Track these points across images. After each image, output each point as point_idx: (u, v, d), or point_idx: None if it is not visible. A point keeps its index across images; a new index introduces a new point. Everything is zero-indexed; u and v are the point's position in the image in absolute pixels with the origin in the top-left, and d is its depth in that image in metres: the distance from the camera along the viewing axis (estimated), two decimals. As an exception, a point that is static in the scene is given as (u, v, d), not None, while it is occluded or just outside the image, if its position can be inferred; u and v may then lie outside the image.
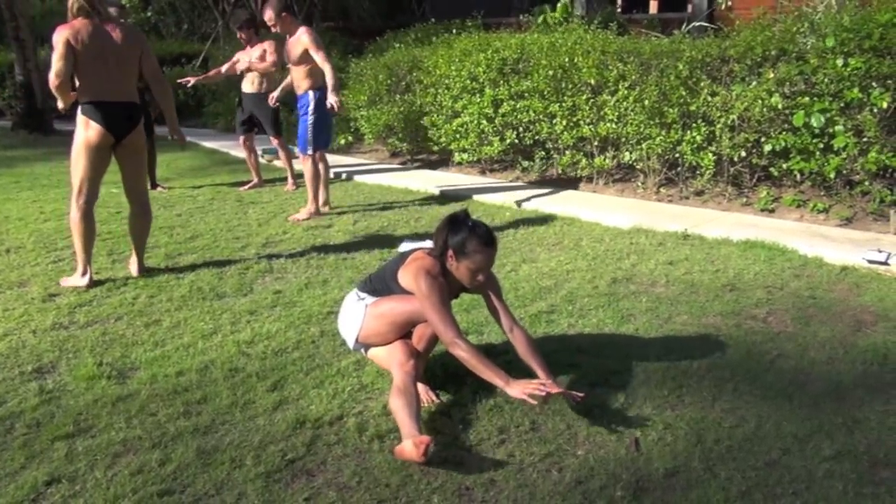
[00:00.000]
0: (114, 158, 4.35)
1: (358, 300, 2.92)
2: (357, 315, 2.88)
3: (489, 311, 2.91)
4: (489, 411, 2.80)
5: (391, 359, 2.78)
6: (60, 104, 4.26)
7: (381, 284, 2.88)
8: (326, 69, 5.62)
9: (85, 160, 4.20)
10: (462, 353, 2.59)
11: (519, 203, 6.37)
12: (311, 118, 5.91)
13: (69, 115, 4.49)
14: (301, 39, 5.74)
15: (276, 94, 6.71)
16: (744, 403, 2.83)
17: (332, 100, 5.63)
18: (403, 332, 2.84)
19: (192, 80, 7.32)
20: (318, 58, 5.65)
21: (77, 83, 4.16)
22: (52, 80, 4.06)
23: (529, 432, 2.66)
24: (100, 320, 3.79)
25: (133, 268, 4.55)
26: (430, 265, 2.74)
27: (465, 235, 2.70)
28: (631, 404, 2.84)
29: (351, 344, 2.95)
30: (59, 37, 4.02)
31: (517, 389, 2.50)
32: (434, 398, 2.89)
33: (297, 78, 5.95)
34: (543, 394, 2.46)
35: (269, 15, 5.79)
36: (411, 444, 2.37)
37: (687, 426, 2.67)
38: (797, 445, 2.54)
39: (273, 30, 5.91)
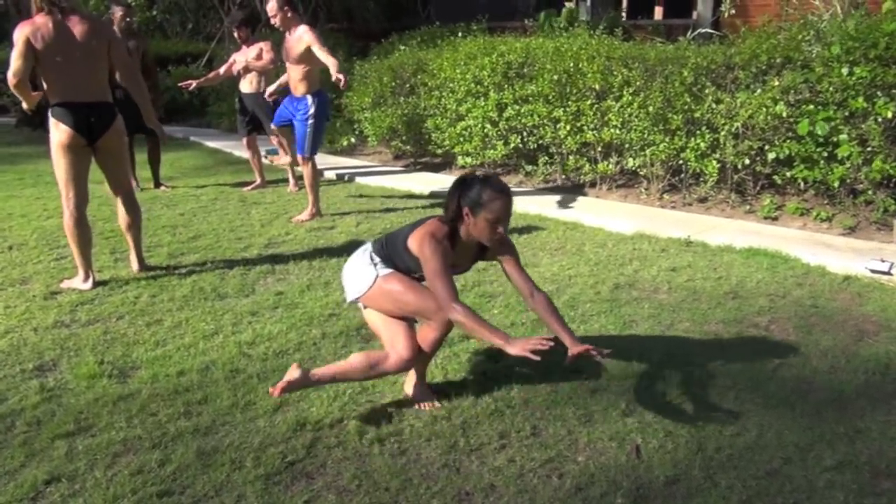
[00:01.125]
0: None
1: (370, 263, 2.82)
2: (365, 280, 2.80)
3: (508, 279, 2.81)
4: (490, 416, 2.79)
5: (391, 342, 2.74)
6: (24, 104, 4.14)
7: (393, 249, 2.79)
8: (330, 62, 5.46)
9: (63, 161, 4.09)
10: (459, 316, 2.50)
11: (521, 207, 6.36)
12: (310, 122, 5.89)
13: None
14: (303, 38, 5.64)
15: (271, 88, 6.51)
16: (745, 412, 2.83)
17: (336, 75, 5.41)
18: (405, 315, 2.80)
19: (192, 84, 7.31)
20: (322, 53, 5.53)
21: (44, 84, 4.01)
22: (10, 78, 3.90)
23: (530, 437, 2.65)
24: (101, 319, 3.79)
25: (134, 265, 4.54)
26: (436, 229, 2.68)
27: (480, 187, 2.63)
28: (632, 411, 2.84)
29: (349, 299, 2.90)
30: (19, 34, 3.84)
31: (518, 347, 2.38)
32: (435, 402, 2.88)
33: (295, 78, 5.87)
34: (546, 348, 2.34)
35: (271, 6, 5.67)
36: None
37: (688, 434, 2.67)
38: (798, 455, 2.54)
39: (273, 21, 5.76)
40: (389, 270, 2.80)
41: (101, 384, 3.03)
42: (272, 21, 5.78)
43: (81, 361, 3.25)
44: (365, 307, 2.88)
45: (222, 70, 7.38)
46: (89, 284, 4.22)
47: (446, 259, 2.63)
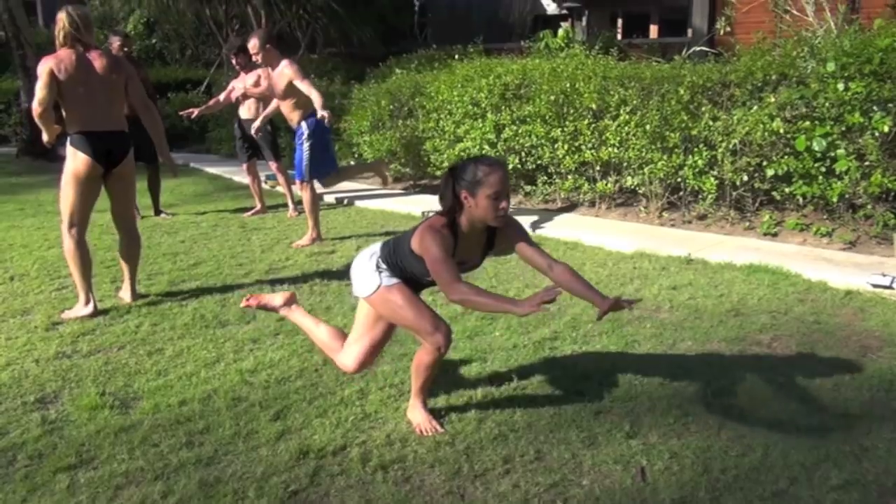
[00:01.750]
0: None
1: (375, 270, 2.81)
2: (369, 285, 2.80)
3: (524, 261, 2.76)
4: (493, 440, 2.78)
5: (349, 346, 2.98)
6: (45, 137, 4.27)
7: (401, 253, 2.76)
8: (313, 94, 5.57)
9: (74, 191, 4.19)
10: (462, 295, 2.45)
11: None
12: (306, 145, 5.93)
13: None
14: (284, 72, 5.75)
15: (256, 123, 6.56)
16: (750, 431, 2.81)
17: (321, 112, 5.58)
18: (401, 327, 2.90)
19: (194, 113, 7.36)
20: (304, 86, 5.64)
21: (64, 114, 4.16)
22: (35, 108, 4.07)
23: (534, 462, 2.64)
24: (103, 349, 3.78)
25: (126, 295, 4.54)
26: (434, 222, 2.65)
27: (472, 166, 2.59)
28: (636, 432, 2.82)
29: (354, 293, 2.93)
30: (44, 67, 4.04)
31: (527, 305, 2.30)
32: (437, 428, 2.87)
33: (287, 112, 5.97)
34: (553, 297, 2.27)
35: (253, 44, 5.82)
36: None
37: (693, 455, 2.65)
38: (805, 474, 2.52)
39: (255, 59, 5.93)
40: (395, 281, 2.79)
41: (102, 415, 3.02)
42: (255, 58, 5.93)
43: (83, 393, 3.24)
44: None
45: (222, 97, 7.43)
46: (90, 309, 4.23)
47: (447, 247, 2.58)
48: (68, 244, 4.24)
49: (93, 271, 5.12)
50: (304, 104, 5.89)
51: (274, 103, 6.20)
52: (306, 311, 3.31)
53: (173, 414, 3.03)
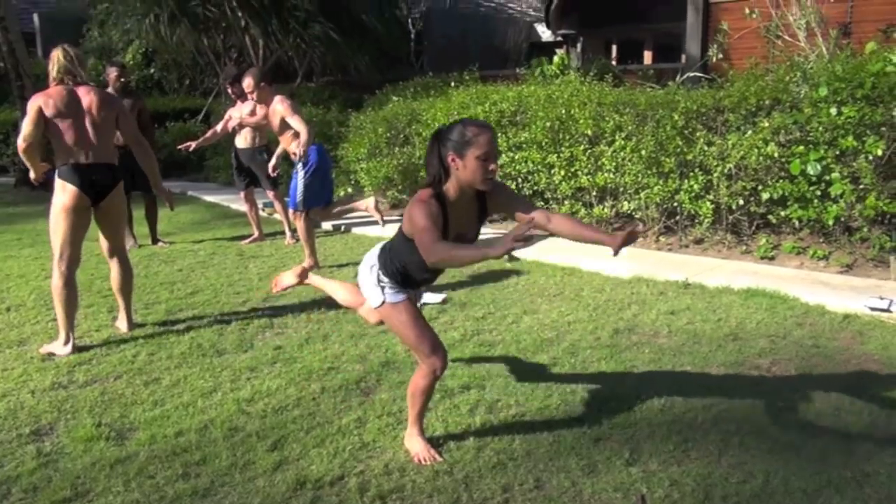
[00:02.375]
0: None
1: (377, 285, 2.81)
2: (374, 299, 2.82)
3: (522, 222, 2.70)
4: (492, 469, 2.76)
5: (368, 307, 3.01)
6: (32, 174, 4.31)
7: (395, 247, 2.76)
8: (303, 130, 5.69)
9: (64, 223, 4.19)
10: (441, 254, 2.37)
11: (513, 258, 6.38)
12: (301, 174, 5.97)
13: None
14: (276, 109, 5.87)
15: (272, 162, 6.60)
16: (750, 458, 2.79)
17: (296, 150, 5.72)
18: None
19: (192, 146, 7.40)
20: (294, 121, 5.75)
21: (54, 149, 4.20)
22: (20, 143, 4.13)
23: (533, 490, 2.61)
24: (99, 379, 3.76)
25: (123, 325, 4.53)
26: (421, 194, 2.59)
27: (460, 127, 2.53)
28: (636, 460, 2.80)
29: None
30: (32, 104, 4.13)
31: (501, 247, 2.18)
32: (436, 456, 2.85)
33: (286, 145, 6.06)
34: (525, 232, 2.17)
35: (248, 82, 5.97)
36: None
37: (694, 482, 2.63)
38: (806, 501, 2.50)
39: (250, 97, 6.07)
40: (399, 298, 2.79)
41: (98, 447, 3.00)
42: (250, 97, 6.05)
43: (79, 424, 3.21)
44: None
45: (219, 128, 7.47)
46: (69, 349, 4.16)
47: (433, 216, 2.49)
48: (56, 281, 4.20)
49: (89, 301, 5.14)
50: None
51: (282, 143, 6.27)
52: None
53: (169, 445, 3.01)
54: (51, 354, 4.13)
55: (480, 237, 2.88)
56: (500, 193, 2.72)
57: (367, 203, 6.18)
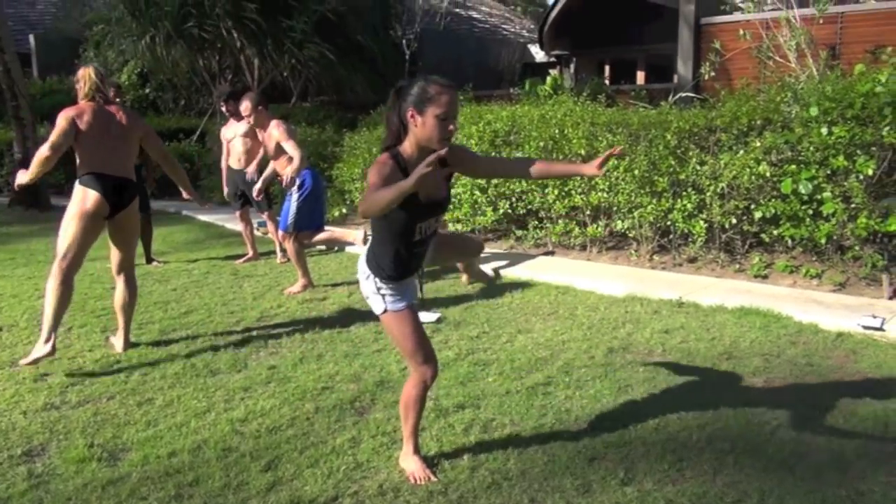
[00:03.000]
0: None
1: (376, 293, 2.75)
2: (376, 307, 2.78)
3: (489, 175, 2.65)
4: (487, 489, 2.75)
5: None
6: (24, 178, 4.36)
7: (377, 240, 2.71)
8: (296, 155, 5.74)
9: (77, 226, 4.24)
10: (366, 202, 2.32)
11: (498, 273, 6.38)
12: (295, 196, 5.98)
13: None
14: (272, 133, 5.93)
15: (258, 186, 6.55)
16: (745, 477, 2.79)
17: (286, 175, 5.77)
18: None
19: (226, 190, 7.57)
20: (289, 147, 5.79)
21: (78, 159, 4.30)
22: (47, 151, 4.20)
23: (528, 511, 2.60)
24: (92, 400, 3.74)
25: (118, 344, 4.52)
26: (380, 158, 2.53)
27: (422, 83, 2.46)
28: (631, 479, 2.80)
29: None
30: (65, 115, 4.26)
31: (413, 179, 2.18)
32: (430, 476, 2.84)
33: (281, 169, 6.08)
34: (435, 158, 2.18)
35: (245, 106, 6.05)
36: None
37: (689, 502, 2.62)
38: (801, 520, 2.49)
39: (248, 120, 6.13)
40: (401, 306, 2.76)
41: (90, 468, 2.97)
42: (247, 120, 6.13)
43: (71, 445, 3.19)
44: None
45: (223, 161, 7.53)
46: (48, 348, 4.12)
47: (385, 176, 2.42)
48: (54, 281, 4.18)
49: (83, 320, 5.12)
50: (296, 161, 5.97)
51: (271, 165, 6.30)
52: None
53: (162, 466, 2.99)
54: (35, 362, 4.12)
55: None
56: (459, 150, 2.69)
57: (356, 236, 6.18)
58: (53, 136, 4.22)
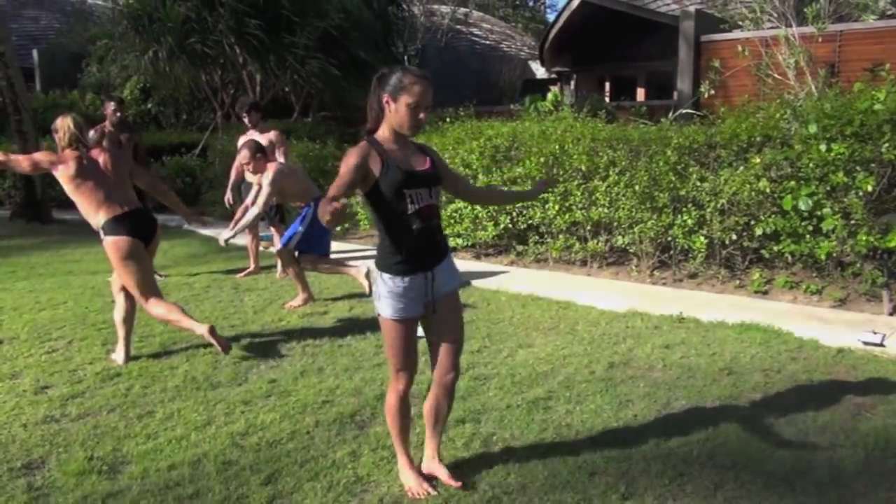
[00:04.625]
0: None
1: (382, 297, 2.79)
2: (380, 310, 2.81)
3: (448, 189, 2.93)
4: (487, 502, 2.74)
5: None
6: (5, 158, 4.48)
7: (379, 235, 2.84)
8: (259, 204, 5.88)
9: (130, 269, 4.37)
10: (328, 203, 2.33)
11: (498, 287, 6.39)
12: (301, 228, 6.04)
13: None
14: (264, 177, 6.05)
15: (227, 195, 6.72)
16: (746, 493, 2.78)
17: (226, 235, 6.00)
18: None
19: (230, 201, 7.64)
20: (264, 190, 5.91)
21: (84, 210, 4.39)
22: (26, 165, 4.36)
23: (529, 525, 2.60)
24: (92, 412, 3.74)
25: (119, 357, 4.53)
26: (359, 144, 2.70)
27: (400, 73, 2.62)
28: (632, 494, 2.79)
29: None
30: (48, 156, 4.41)
31: (325, 212, 2.31)
32: (430, 490, 2.83)
33: (291, 201, 6.25)
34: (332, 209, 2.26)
35: (244, 154, 6.10)
36: None
37: (689, 517, 2.62)
38: (803, 536, 2.49)
39: (247, 168, 6.20)
40: (398, 316, 2.75)
41: (89, 481, 2.97)
42: (246, 168, 6.21)
43: (70, 458, 3.19)
44: None
45: (234, 169, 7.53)
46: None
47: (360, 157, 2.62)
48: (160, 308, 4.44)
49: (84, 333, 5.13)
50: (303, 192, 6.21)
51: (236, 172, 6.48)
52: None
53: (162, 479, 2.98)
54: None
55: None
56: (441, 160, 2.88)
57: (359, 271, 6.19)
58: (38, 157, 4.40)
